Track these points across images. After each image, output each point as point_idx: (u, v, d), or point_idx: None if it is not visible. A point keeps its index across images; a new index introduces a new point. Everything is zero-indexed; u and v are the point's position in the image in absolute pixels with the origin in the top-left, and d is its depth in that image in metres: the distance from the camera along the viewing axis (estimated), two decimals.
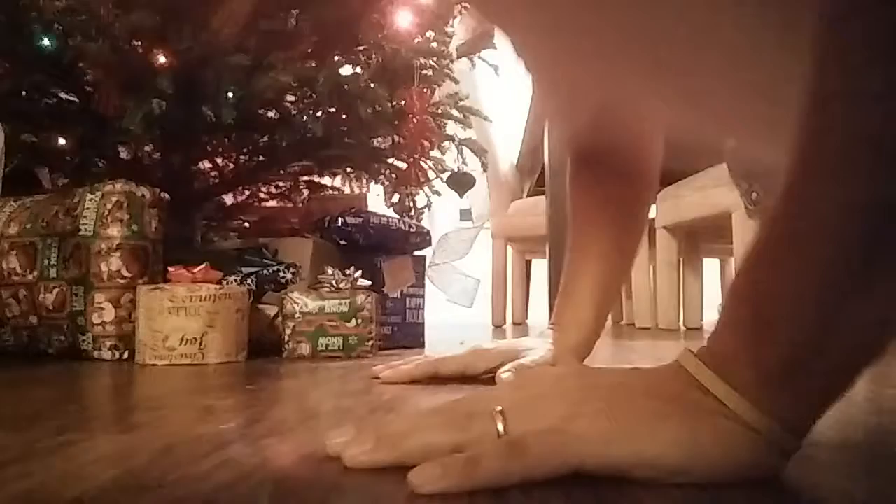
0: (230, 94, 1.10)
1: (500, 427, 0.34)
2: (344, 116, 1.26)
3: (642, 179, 0.77)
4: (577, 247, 0.77)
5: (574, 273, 0.77)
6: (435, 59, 1.38)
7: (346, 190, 1.72)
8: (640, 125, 0.72)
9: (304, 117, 1.24)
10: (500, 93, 2.46)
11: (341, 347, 1.07)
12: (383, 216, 1.36)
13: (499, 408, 0.35)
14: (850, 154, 0.31)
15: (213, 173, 1.49)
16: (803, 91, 0.32)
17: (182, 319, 0.95)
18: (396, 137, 1.41)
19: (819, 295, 0.32)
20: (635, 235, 0.79)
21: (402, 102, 1.34)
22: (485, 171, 1.66)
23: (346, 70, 1.29)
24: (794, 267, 0.32)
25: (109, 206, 1.03)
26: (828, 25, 0.32)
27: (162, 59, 1.07)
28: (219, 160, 1.49)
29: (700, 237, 2.34)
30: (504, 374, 0.72)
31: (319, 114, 1.25)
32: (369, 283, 1.15)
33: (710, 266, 2.83)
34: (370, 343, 1.09)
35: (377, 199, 1.61)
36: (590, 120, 0.70)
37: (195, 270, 0.99)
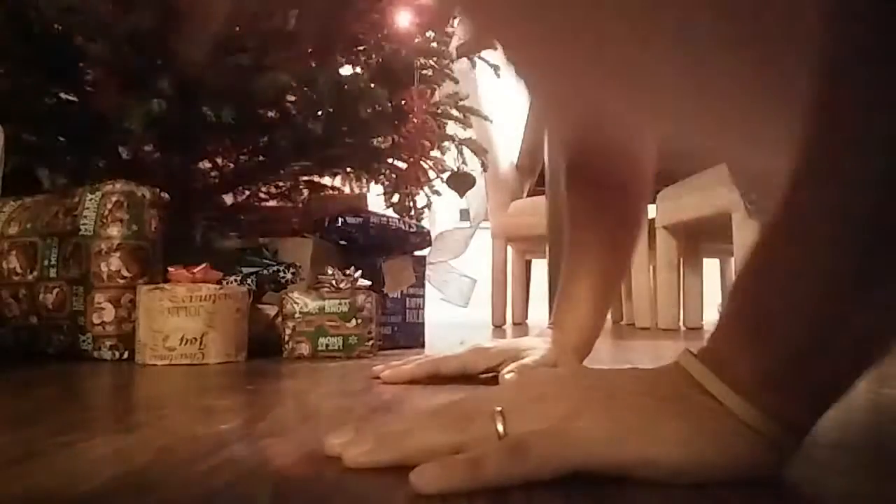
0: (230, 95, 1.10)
1: (500, 428, 0.34)
2: (344, 116, 1.26)
3: (637, 183, 0.77)
4: (574, 248, 0.78)
5: (572, 274, 0.77)
6: (435, 59, 1.38)
7: (346, 190, 1.72)
8: (634, 131, 0.73)
9: (304, 117, 1.23)
10: (500, 93, 2.46)
11: (341, 347, 1.07)
12: (383, 216, 1.36)
13: (499, 408, 0.35)
14: (852, 160, 0.31)
15: (213, 173, 1.49)
16: (805, 98, 0.32)
17: (182, 319, 0.95)
18: (396, 137, 1.41)
19: (819, 298, 0.32)
20: (632, 237, 0.79)
21: (402, 102, 1.34)
22: (485, 171, 1.66)
23: (346, 70, 1.29)
24: (794, 270, 0.33)
25: (109, 206, 1.03)
26: (830, 30, 0.32)
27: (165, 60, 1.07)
28: (219, 160, 1.49)
29: (700, 237, 2.34)
30: (507, 374, 0.72)
31: (319, 114, 1.25)
32: (369, 283, 1.15)
33: (710, 266, 2.83)
34: (370, 343, 1.09)
35: (377, 199, 1.61)
36: (583, 127, 0.71)
37: (195, 270, 0.99)
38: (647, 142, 0.76)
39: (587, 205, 0.77)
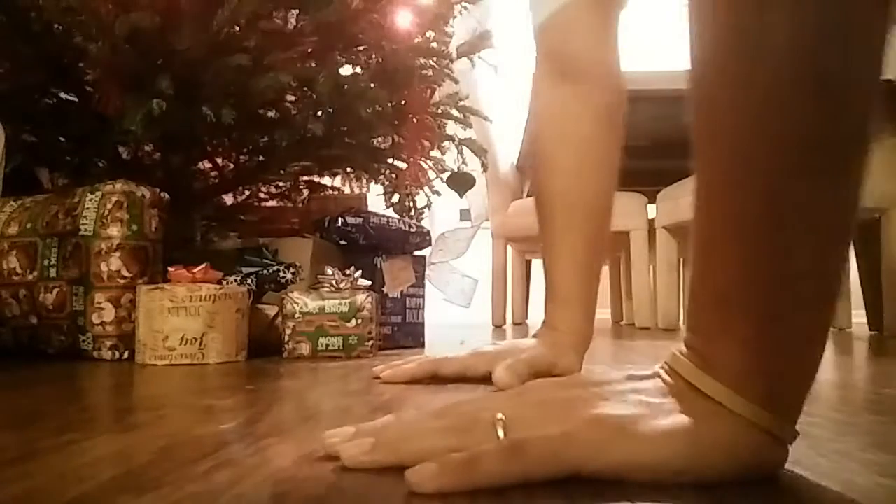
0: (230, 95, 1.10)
1: (501, 434, 0.34)
2: (344, 116, 1.26)
3: (608, 106, 0.77)
4: (549, 248, 0.78)
5: (553, 271, 0.78)
6: (435, 59, 1.38)
7: (346, 190, 1.72)
8: (605, 39, 0.75)
9: (304, 117, 1.24)
10: (500, 93, 2.46)
11: (341, 347, 1.07)
12: (383, 216, 1.36)
13: (500, 416, 0.35)
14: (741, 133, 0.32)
15: (213, 173, 1.49)
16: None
17: (182, 319, 0.95)
18: (396, 137, 1.41)
19: (761, 270, 0.33)
20: (603, 219, 0.78)
21: (402, 102, 1.34)
22: (485, 171, 1.66)
23: (346, 70, 1.29)
24: (732, 249, 0.33)
25: (109, 206, 1.03)
26: None
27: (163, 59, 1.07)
28: (219, 160, 1.49)
29: None
30: (500, 371, 0.71)
31: (319, 114, 1.25)
32: (369, 283, 1.15)
33: None
34: (370, 343, 1.09)
35: (377, 199, 1.61)
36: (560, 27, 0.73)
37: (195, 270, 0.99)
38: (617, 60, 0.77)
39: (555, 197, 0.77)
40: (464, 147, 1.53)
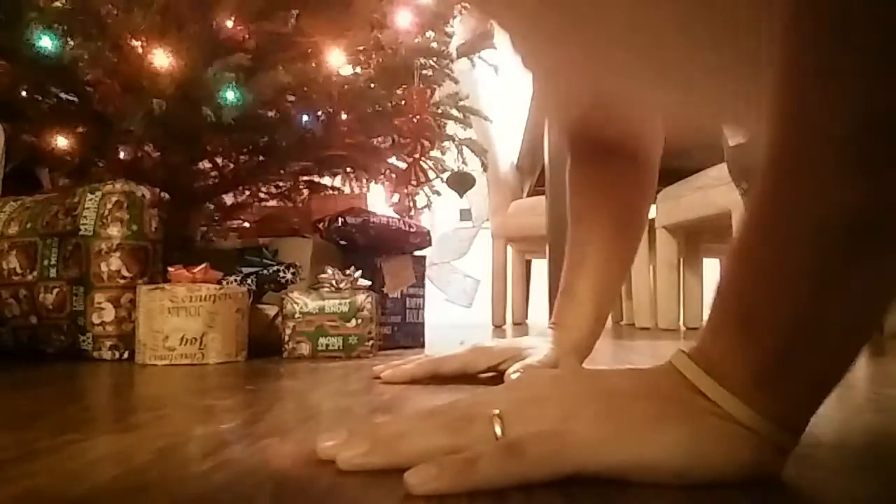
0: (230, 94, 1.10)
1: (498, 430, 0.34)
2: (344, 116, 1.26)
3: (642, 174, 0.77)
4: (576, 246, 0.78)
5: (574, 272, 0.77)
6: (435, 59, 1.38)
7: (346, 190, 1.72)
8: (639, 116, 0.74)
9: (304, 117, 1.23)
10: (500, 93, 2.46)
11: (341, 347, 1.07)
12: (383, 216, 1.36)
13: (496, 411, 0.34)
14: (819, 153, 0.31)
15: (213, 173, 1.49)
16: (770, 82, 0.33)
17: (182, 319, 0.95)
18: (396, 137, 1.41)
19: (799, 291, 0.32)
20: (635, 234, 0.79)
21: (402, 102, 1.34)
22: (485, 171, 1.66)
23: (346, 70, 1.29)
24: (773, 265, 0.33)
25: (109, 206, 1.03)
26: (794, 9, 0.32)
27: (162, 60, 1.07)
28: (219, 160, 1.49)
29: (700, 237, 2.34)
30: (513, 373, 0.72)
31: (319, 114, 1.25)
32: (369, 283, 1.15)
33: (711, 266, 2.83)
34: (370, 343, 1.09)
35: (377, 199, 1.61)
36: (587, 110, 0.71)
37: (195, 270, 0.99)
38: (654, 130, 0.76)
39: (590, 200, 0.78)
40: (464, 147, 1.53)
